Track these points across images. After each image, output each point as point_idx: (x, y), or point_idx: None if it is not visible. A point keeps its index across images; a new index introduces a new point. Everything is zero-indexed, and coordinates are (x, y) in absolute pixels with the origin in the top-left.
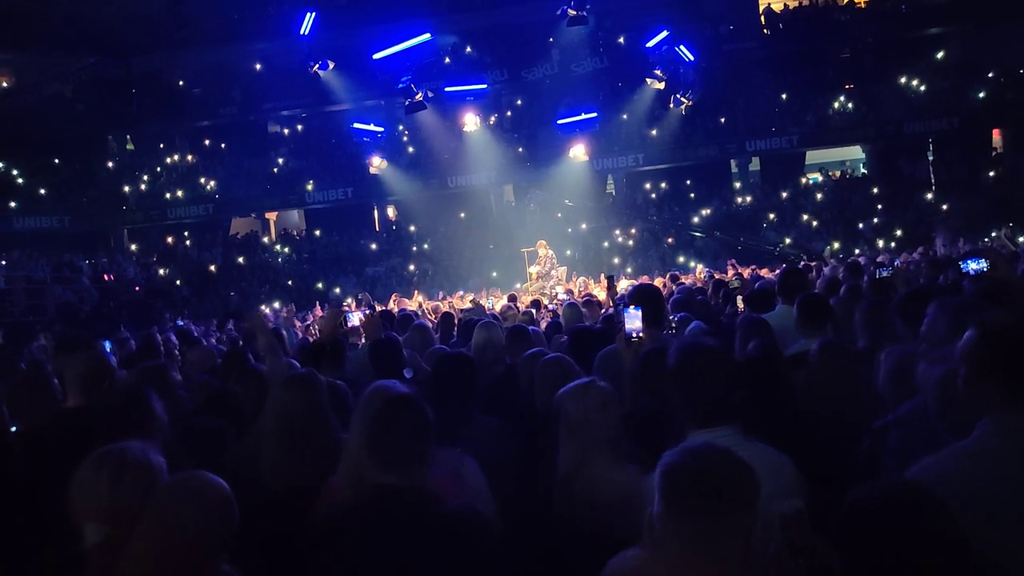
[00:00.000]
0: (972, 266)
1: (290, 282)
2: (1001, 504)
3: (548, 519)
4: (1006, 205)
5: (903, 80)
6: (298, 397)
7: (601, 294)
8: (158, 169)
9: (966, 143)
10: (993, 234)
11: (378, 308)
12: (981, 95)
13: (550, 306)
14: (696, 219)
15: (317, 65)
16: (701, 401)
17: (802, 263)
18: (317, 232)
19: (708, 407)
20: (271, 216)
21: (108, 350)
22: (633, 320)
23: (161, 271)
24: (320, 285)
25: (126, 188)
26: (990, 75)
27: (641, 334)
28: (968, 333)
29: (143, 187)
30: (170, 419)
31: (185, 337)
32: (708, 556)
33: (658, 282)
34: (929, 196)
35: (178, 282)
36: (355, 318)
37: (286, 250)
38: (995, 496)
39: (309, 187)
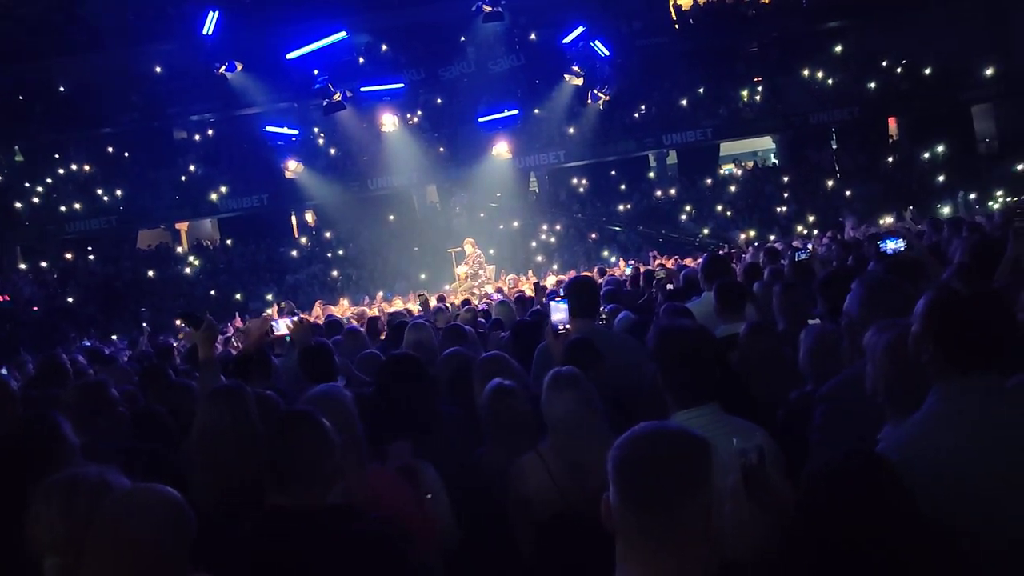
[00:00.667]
0: (891, 245)
1: (212, 292)
2: (951, 470)
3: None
4: (903, 189)
5: (807, 72)
6: (225, 411)
7: (531, 291)
8: (50, 181)
9: (866, 132)
10: (897, 218)
11: (303, 316)
12: (877, 86)
13: (480, 305)
14: (617, 213)
15: (224, 67)
16: (682, 381)
17: (721, 251)
18: (230, 241)
19: (690, 387)
20: (182, 227)
21: (3, 375)
22: (558, 312)
23: (62, 289)
24: (239, 296)
25: (17, 204)
26: (884, 65)
27: (567, 325)
28: (919, 302)
29: (36, 201)
30: (114, 437)
31: (96, 356)
32: (673, 546)
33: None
34: (832, 183)
35: (70, 299)
36: (282, 326)
37: (199, 262)
38: (946, 463)
39: (220, 195)
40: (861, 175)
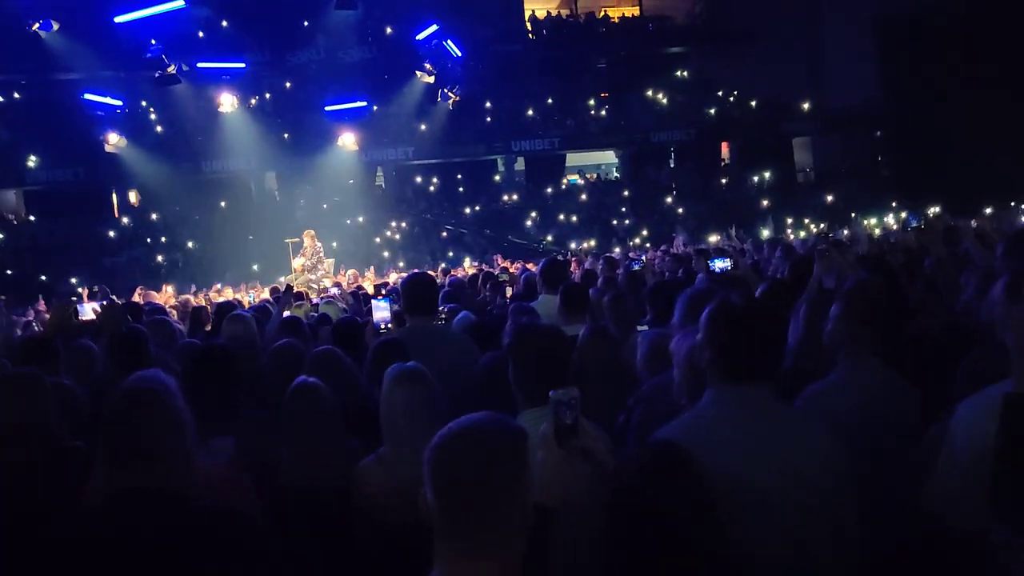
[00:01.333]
0: (719, 264)
1: (9, 272)
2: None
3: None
4: (731, 210)
5: (651, 92)
6: (13, 400)
7: (371, 287)
8: None
9: (701, 153)
10: (722, 236)
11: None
12: (713, 111)
13: (315, 299)
14: (465, 215)
15: (38, 24)
16: (534, 379)
17: (560, 257)
18: (32, 217)
19: (540, 385)
20: None
21: None
22: (379, 311)
23: None
24: (44, 278)
25: None
26: (720, 94)
27: (389, 325)
28: (703, 312)
29: None
30: None
31: None
32: (488, 544)
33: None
34: (669, 200)
35: None
36: (88, 310)
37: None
38: (713, 455)
39: (30, 164)
40: (695, 194)
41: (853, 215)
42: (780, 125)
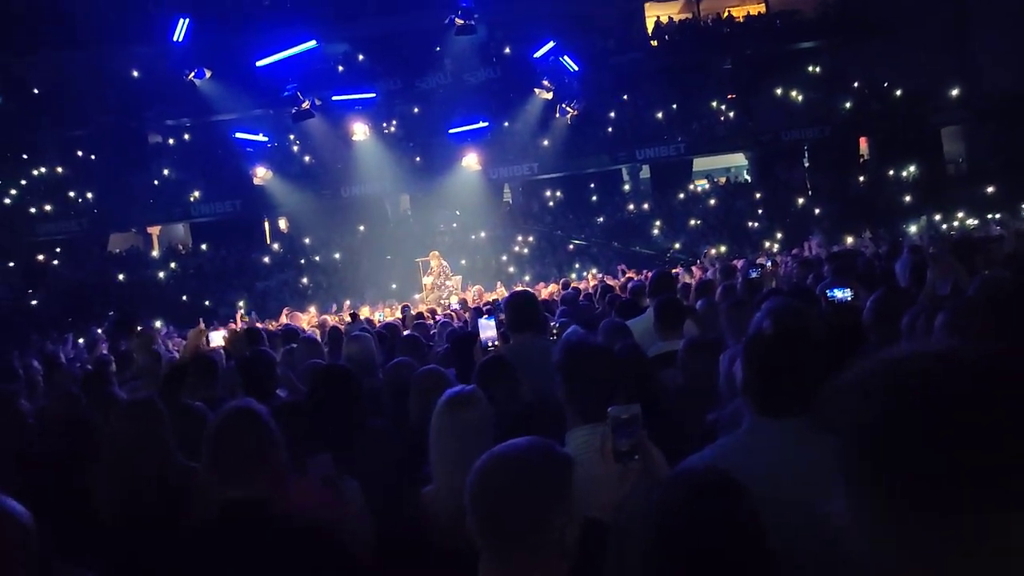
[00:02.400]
0: (838, 294)
1: (184, 297)
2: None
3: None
4: (871, 209)
5: (780, 91)
6: (134, 424)
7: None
8: (23, 182)
9: (836, 150)
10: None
11: (272, 324)
12: (848, 105)
13: (439, 316)
14: (590, 226)
15: (193, 73)
16: (586, 397)
17: (675, 269)
18: (204, 246)
19: (592, 403)
20: (154, 231)
21: None
22: (486, 330)
23: (29, 291)
24: (208, 302)
25: None
26: (856, 86)
27: (496, 342)
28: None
29: (7, 202)
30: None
31: (50, 361)
32: (528, 569)
33: (552, 288)
34: (802, 200)
35: (35, 302)
36: (217, 337)
37: (172, 266)
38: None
39: (195, 198)
40: (831, 193)
41: (1002, 212)
42: (926, 116)
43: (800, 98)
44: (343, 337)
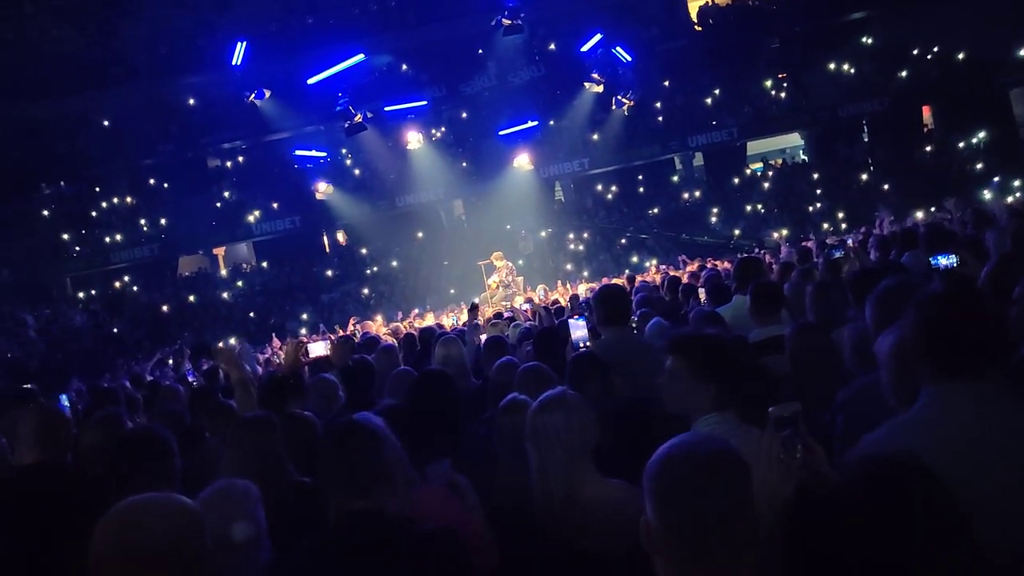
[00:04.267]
0: (942, 261)
1: (252, 314)
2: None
3: (537, 538)
4: (940, 179)
5: (833, 66)
6: (254, 440)
7: (563, 299)
8: (94, 214)
9: (898, 122)
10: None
11: (340, 333)
12: (906, 74)
13: (505, 315)
14: (645, 219)
15: (253, 95)
16: (711, 388)
17: (756, 252)
18: (265, 264)
19: (715, 394)
20: (219, 252)
21: (65, 403)
22: (577, 330)
23: (109, 318)
24: (273, 320)
25: (64, 236)
26: (915, 54)
27: (588, 343)
28: (908, 309)
29: (83, 232)
30: None
31: (138, 382)
32: (718, 568)
33: (617, 283)
34: (865, 177)
35: (116, 328)
36: (319, 347)
37: (238, 284)
38: (933, 464)
39: (255, 219)
40: (896, 168)
41: None
42: (992, 78)
43: (854, 71)
44: (417, 342)
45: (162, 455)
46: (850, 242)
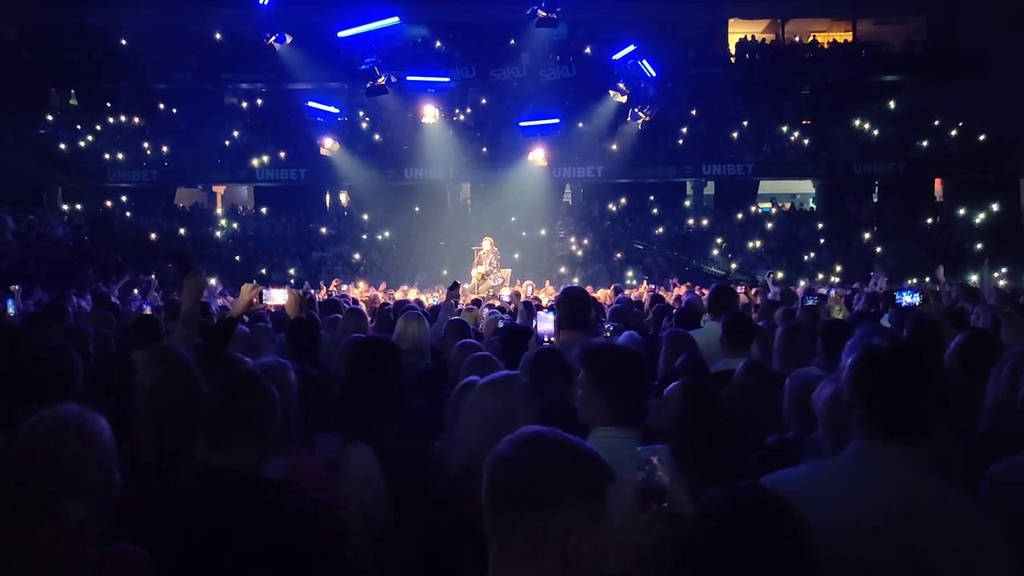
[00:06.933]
0: (906, 299)
1: (237, 258)
2: (840, 527)
3: (445, 514)
4: (941, 251)
5: (857, 122)
6: (157, 371)
7: (546, 300)
8: (99, 128)
9: (909, 188)
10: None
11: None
12: (926, 144)
13: (488, 303)
14: (648, 237)
15: (274, 37)
16: (610, 401)
17: (741, 287)
18: (264, 210)
19: (612, 407)
20: (219, 190)
21: (9, 308)
22: (544, 323)
23: (92, 234)
24: (264, 271)
25: (62, 145)
26: (936, 125)
27: (552, 337)
28: (851, 357)
29: (83, 145)
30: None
31: (102, 301)
32: (524, 555)
33: (602, 293)
34: (868, 236)
35: (95, 246)
36: (278, 295)
37: (233, 225)
38: (836, 516)
39: (261, 162)
40: (899, 231)
41: None
42: (1007, 162)
43: (876, 132)
44: (390, 315)
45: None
46: (833, 293)
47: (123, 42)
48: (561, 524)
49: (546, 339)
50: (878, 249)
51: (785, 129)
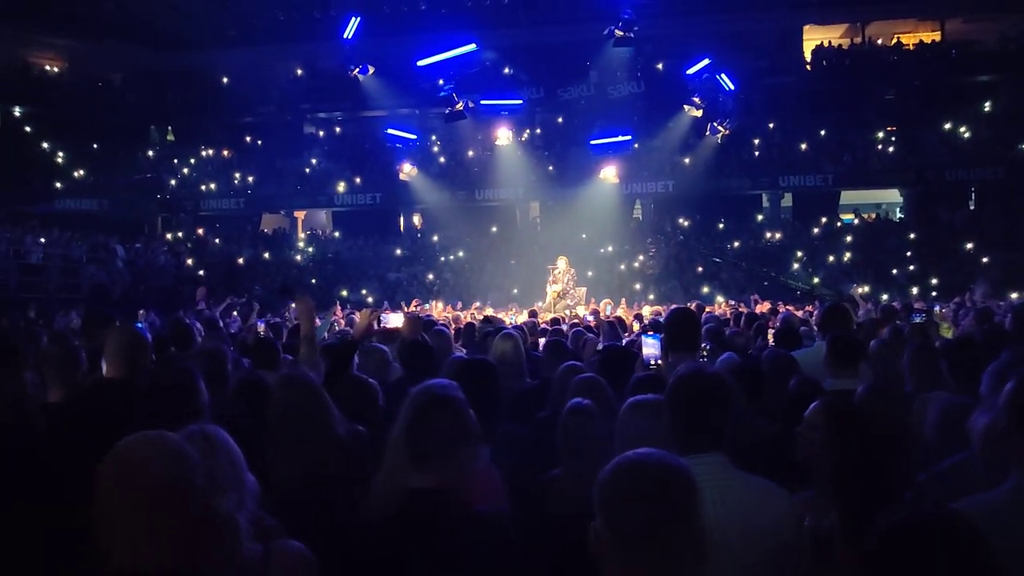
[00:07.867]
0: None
1: (313, 280)
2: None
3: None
4: None
5: (948, 126)
6: (293, 397)
7: (627, 317)
8: (193, 161)
9: (1010, 194)
10: None
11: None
12: None
13: (567, 321)
14: (723, 251)
15: (357, 69)
16: (682, 426)
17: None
18: (337, 234)
19: (687, 432)
20: (299, 215)
21: (140, 326)
22: (649, 347)
23: (190, 261)
24: (345, 292)
25: (164, 177)
26: None
27: (659, 361)
28: (1008, 384)
29: (180, 178)
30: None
31: (210, 324)
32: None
33: (722, 307)
34: (969, 246)
35: (201, 272)
36: (395, 319)
37: (311, 249)
38: (1005, 549)
39: (339, 189)
40: (1002, 241)
41: None
42: None
43: (969, 135)
44: (476, 334)
45: (186, 393)
46: (938, 309)
47: (223, 80)
48: (690, 538)
49: (652, 363)
50: (983, 260)
51: (868, 137)
